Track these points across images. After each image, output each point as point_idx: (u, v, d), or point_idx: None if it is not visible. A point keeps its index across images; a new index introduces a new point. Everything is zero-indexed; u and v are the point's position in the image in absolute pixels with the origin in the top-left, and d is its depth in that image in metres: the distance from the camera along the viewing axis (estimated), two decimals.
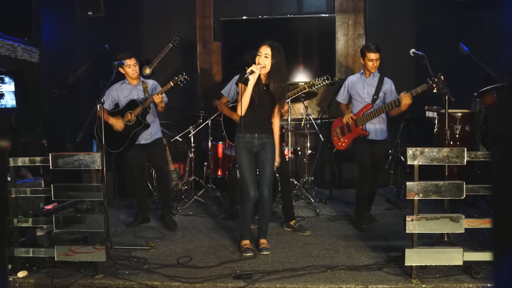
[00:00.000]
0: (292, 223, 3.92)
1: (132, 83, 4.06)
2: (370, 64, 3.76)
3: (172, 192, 5.30)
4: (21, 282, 2.88)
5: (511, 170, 0.86)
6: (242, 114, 3.14)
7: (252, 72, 3.05)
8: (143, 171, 4.29)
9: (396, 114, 3.79)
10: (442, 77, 3.34)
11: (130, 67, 3.95)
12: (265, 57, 3.10)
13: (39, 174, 4.29)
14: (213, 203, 4.91)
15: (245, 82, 3.07)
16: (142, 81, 4.09)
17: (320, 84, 4.06)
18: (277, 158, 3.35)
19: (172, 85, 3.83)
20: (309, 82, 4.13)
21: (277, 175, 4.02)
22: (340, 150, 4.08)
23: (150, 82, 4.15)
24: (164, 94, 3.98)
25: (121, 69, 3.94)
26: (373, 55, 3.73)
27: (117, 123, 3.99)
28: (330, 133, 4.10)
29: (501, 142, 0.87)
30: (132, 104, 4.00)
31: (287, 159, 4.44)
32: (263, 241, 3.38)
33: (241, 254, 3.25)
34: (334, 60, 5.83)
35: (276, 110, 3.30)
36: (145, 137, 4.06)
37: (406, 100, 3.53)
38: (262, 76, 3.17)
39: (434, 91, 3.33)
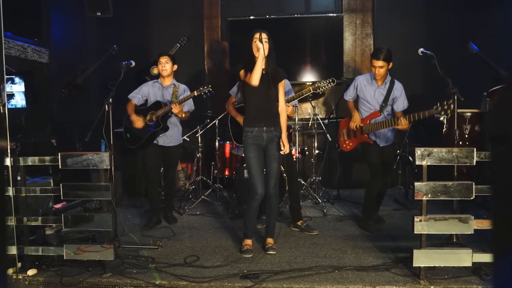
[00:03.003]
0: (299, 223, 3.91)
1: (163, 83, 4.10)
2: (373, 70, 3.68)
3: (179, 191, 5.34)
4: (31, 280, 2.91)
5: None
6: (256, 84, 3.07)
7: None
8: (159, 171, 4.33)
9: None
10: (451, 103, 3.15)
11: (161, 64, 4.02)
12: (265, 41, 3.11)
13: (48, 174, 4.33)
14: (220, 203, 4.91)
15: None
16: (174, 84, 4.12)
17: (325, 86, 4.01)
18: (285, 144, 3.23)
19: (196, 95, 3.86)
20: (314, 84, 4.09)
21: (285, 175, 4.01)
22: (344, 151, 4.11)
23: (182, 87, 4.15)
24: (191, 102, 4.05)
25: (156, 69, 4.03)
26: (375, 62, 3.61)
27: (137, 122, 4.00)
28: (338, 131, 4.10)
29: (504, 142, 0.86)
30: (157, 105, 4.03)
31: (294, 159, 4.43)
32: (270, 240, 3.38)
33: (240, 254, 3.25)
34: (341, 59, 5.80)
35: (280, 96, 3.25)
36: (164, 139, 4.08)
37: (402, 125, 3.52)
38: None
39: (441, 119, 3.24)
